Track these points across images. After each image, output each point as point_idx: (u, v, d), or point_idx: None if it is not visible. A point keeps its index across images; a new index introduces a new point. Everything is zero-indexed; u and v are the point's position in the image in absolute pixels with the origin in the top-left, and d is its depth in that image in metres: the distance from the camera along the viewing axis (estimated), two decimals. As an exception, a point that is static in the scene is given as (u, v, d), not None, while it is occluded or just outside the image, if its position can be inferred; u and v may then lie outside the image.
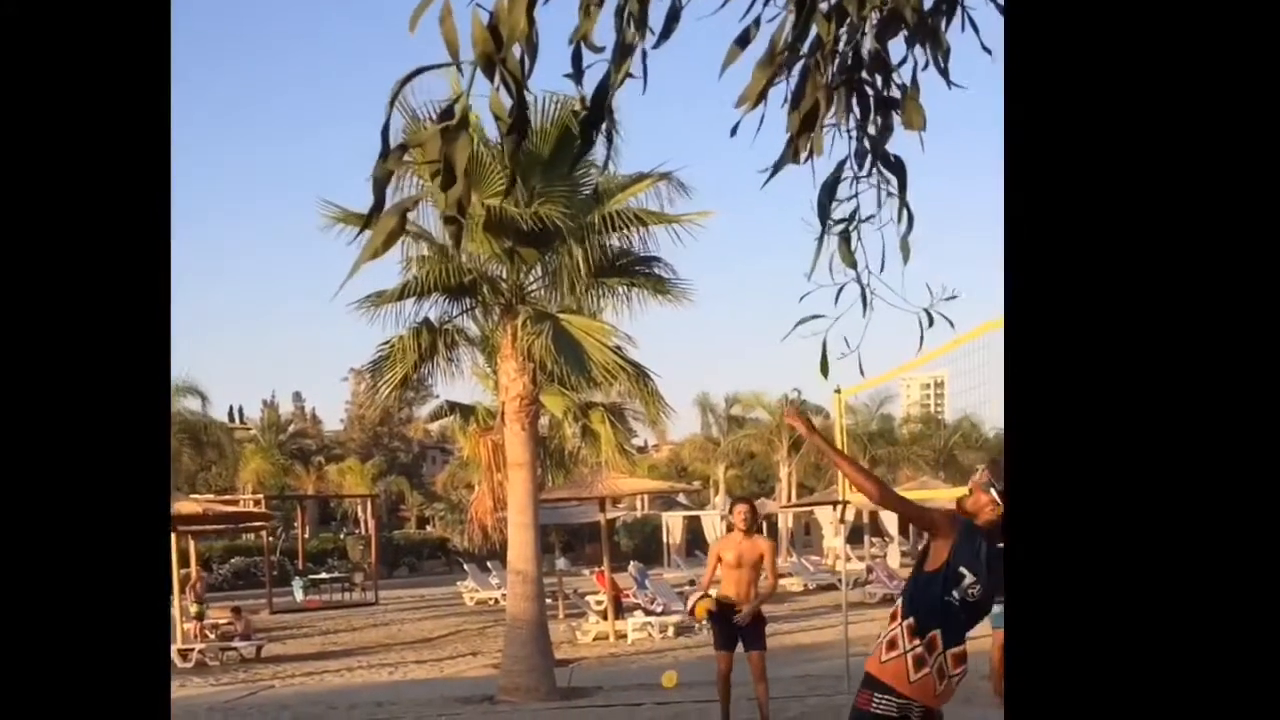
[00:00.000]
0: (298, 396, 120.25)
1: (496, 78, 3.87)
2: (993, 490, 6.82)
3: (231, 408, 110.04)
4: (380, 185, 4.06)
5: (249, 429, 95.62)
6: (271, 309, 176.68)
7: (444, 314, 19.89)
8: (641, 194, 19.34)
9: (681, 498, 67.67)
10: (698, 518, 66.06)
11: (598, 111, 4.24)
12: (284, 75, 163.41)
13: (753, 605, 14.26)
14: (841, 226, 5.07)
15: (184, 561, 32.99)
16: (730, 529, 15.24)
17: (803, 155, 4.77)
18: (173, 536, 32.48)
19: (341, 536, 74.25)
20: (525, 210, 17.96)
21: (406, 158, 4.63)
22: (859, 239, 5.11)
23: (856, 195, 5.03)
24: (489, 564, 48.62)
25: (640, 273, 19.74)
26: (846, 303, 5.21)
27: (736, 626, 14.34)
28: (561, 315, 19.00)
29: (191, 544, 35.74)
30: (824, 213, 4.97)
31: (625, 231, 19.20)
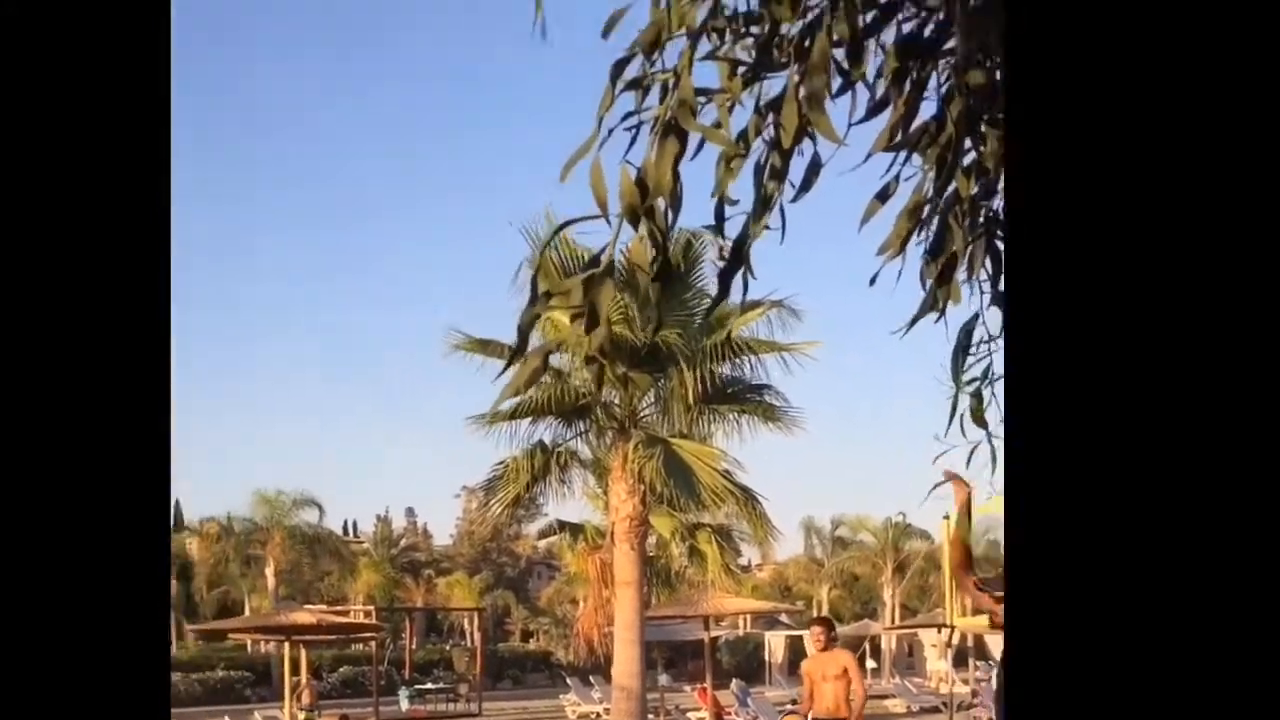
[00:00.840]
0: (410, 512, 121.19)
1: (641, 228, 4.10)
2: None
3: (346, 521, 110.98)
4: (526, 329, 4.34)
5: (362, 542, 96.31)
6: (389, 425, 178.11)
7: (557, 436, 20.37)
8: (755, 322, 19.67)
9: (784, 617, 67.27)
10: (800, 637, 65.65)
11: (736, 262, 4.39)
12: (421, 190, 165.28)
13: (854, 717, 14.67)
14: (974, 385, 5.13)
15: (295, 669, 33.30)
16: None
17: (940, 304, 4.83)
18: (286, 645, 32.97)
19: (448, 648, 74.33)
20: (640, 336, 18.37)
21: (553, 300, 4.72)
22: (992, 396, 5.13)
23: (990, 354, 5.07)
24: (591, 678, 48.61)
25: (751, 400, 20.09)
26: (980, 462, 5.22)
27: None
28: (673, 439, 19.34)
29: (303, 652, 36.03)
30: (957, 373, 5.05)
31: (738, 359, 19.56)
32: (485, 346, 20.15)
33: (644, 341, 18.35)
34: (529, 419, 20.00)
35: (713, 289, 18.69)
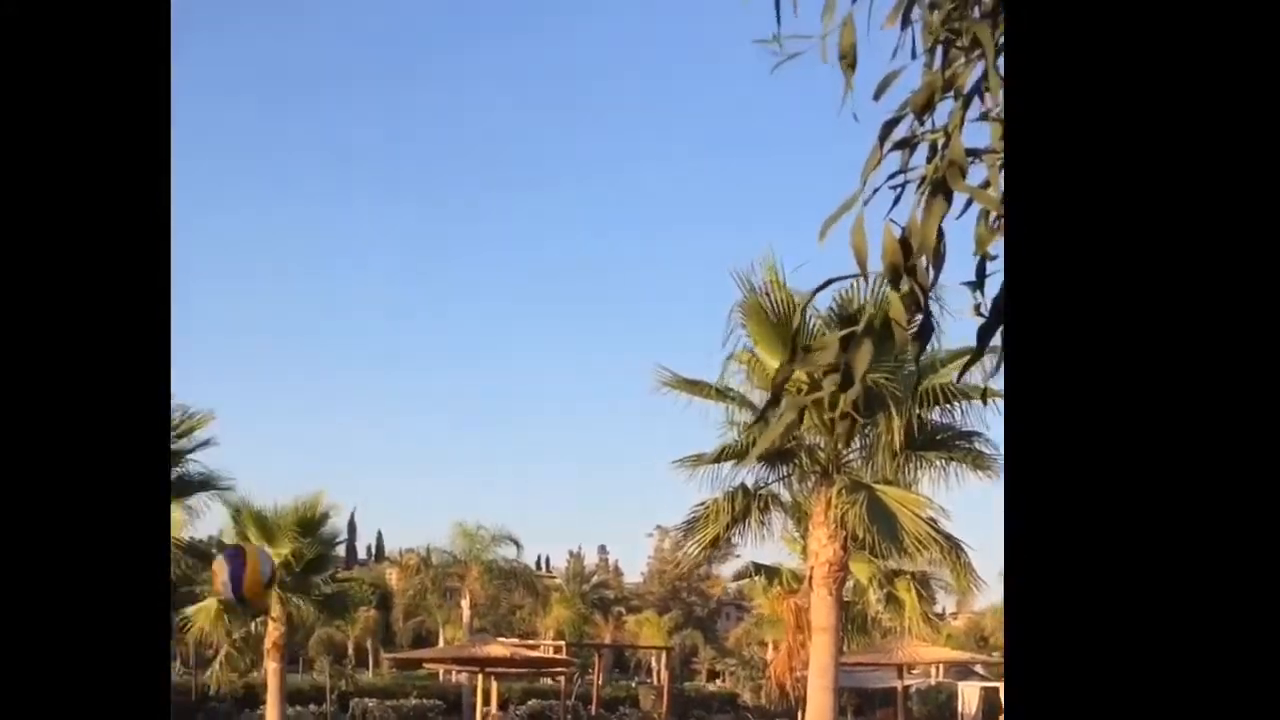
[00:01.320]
0: (602, 549, 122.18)
1: (903, 286, 4.10)
2: None
3: (540, 556, 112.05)
4: (781, 384, 4.37)
5: (554, 577, 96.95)
6: (584, 465, 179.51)
7: (759, 479, 20.28)
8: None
9: (979, 668, 66.28)
10: (995, 689, 64.66)
11: (994, 321, 4.24)
12: (637, 232, 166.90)
13: None
14: None
15: (486, 700, 33.61)
16: None
17: None
18: (479, 676, 33.30)
19: (634, 685, 74.43)
20: (849, 444, 18.40)
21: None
22: None
23: None
24: (778, 722, 48.45)
25: (960, 447, 19.87)
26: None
27: None
28: (876, 485, 19.19)
29: (494, 684, 36.40)
30: None
31: (947, 405, 19.39)
32: (693, 386, 20.16)
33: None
34: (732, 462, 19.99)
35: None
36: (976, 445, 19.92)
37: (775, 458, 19.80)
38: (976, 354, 4.41)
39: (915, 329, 4.33)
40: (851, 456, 20.01)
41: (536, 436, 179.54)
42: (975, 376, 19.50)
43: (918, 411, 18.74)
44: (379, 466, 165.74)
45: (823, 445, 19.75)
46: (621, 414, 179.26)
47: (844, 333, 4.26)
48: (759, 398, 19.96)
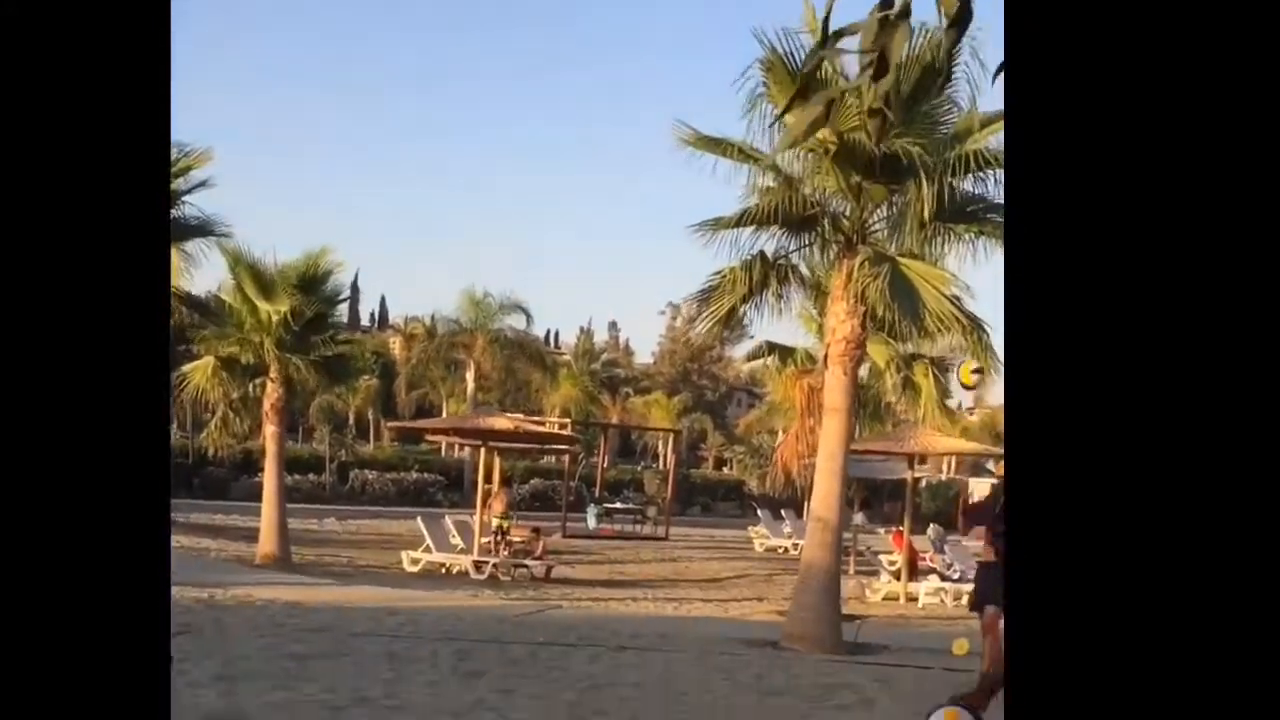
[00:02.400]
0: (613, 326, 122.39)
1: None
2: None
3: (549, 331, 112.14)
4: (811, 71, 4.07)
5: (563, 353, 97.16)
6: (598, 236, 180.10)
7: (780, 247, 19.32)
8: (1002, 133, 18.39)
9: (991, 464, 66.46)
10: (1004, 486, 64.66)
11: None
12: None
13: None
14: None
15: (488, 476, 33.18)
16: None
17: None
18: (482, 450, 32.83)
19: (640, 469, 74.94)
20: (879, 144, 17.22)
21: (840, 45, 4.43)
22: None
23: None
24: (783, 511, 48.37)
25: (990, 219, 18.80)
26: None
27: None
28: (901, 259, 18.25)
29: (497, 459, 35.95)
30: None
31: (981, 173, 18.28)
32: (715, 145, 18.92)
33: (883, 150, 17.17)
34: (752, 228, 18.96)
35: (963, 101, 17.59)
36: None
37: (797, 224, 18.92)
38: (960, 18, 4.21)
39: (955, 15, 4.08)
40: (878, 227, 19.03)
41: (550, 208, 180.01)
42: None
43: (950, 179, 17.61)
44: (385, 232, 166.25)
45: (847, 213, 18.81)
46: (641, 183, 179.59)
47: (880, 14, 3.98)
48: (787, 158, 18.92)
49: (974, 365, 17.37)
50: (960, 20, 4.11)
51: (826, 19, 4.20)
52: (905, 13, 3.98)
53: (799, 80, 3.84)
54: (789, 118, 4.11)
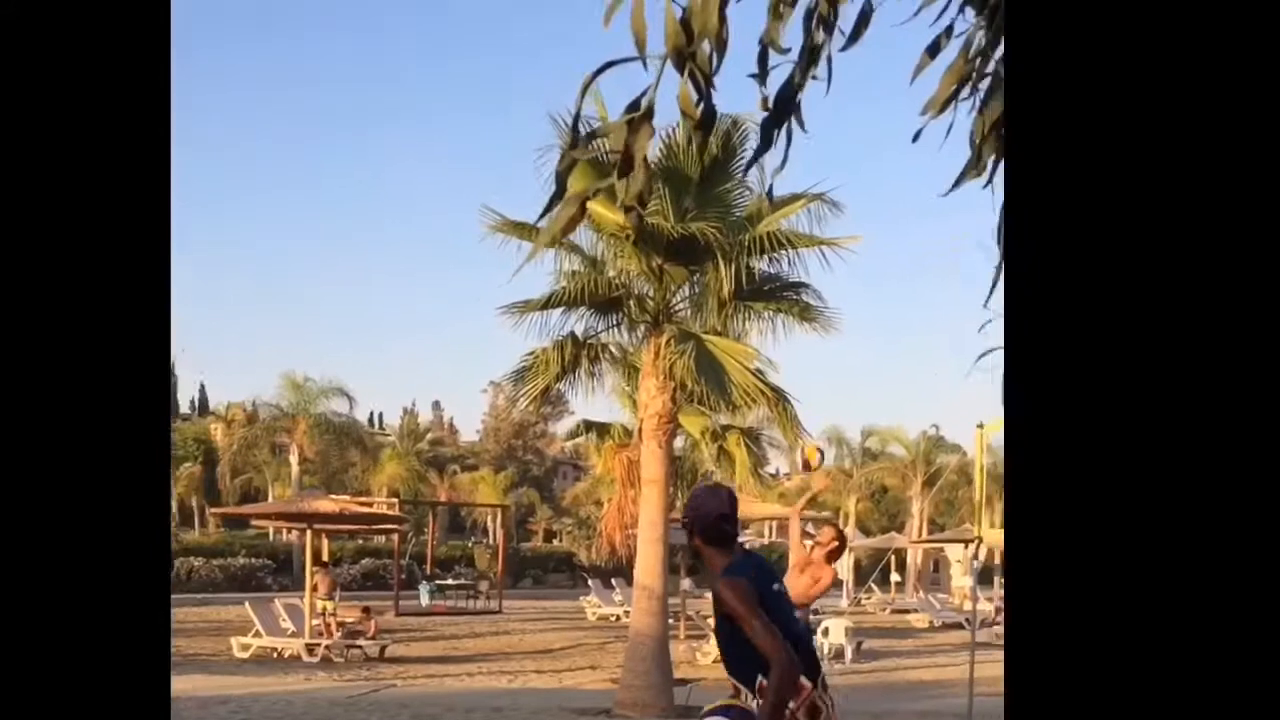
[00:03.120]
0: (437, 405, 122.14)
1: (685, 72, 3.92)
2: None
3: (372, 413, 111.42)
4: (564, 174, 4.16)
5: (388, 434, 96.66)
6: (417, 318, 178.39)
7: (589, 328, 19.95)
8: (793, 215, 19.22)
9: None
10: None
11: (780, 113, 4.29)
12: (442, 77, 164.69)
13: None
14: None
15: (317, 559, 33.28)
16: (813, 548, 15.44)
17: (987, 163, 4.71)
18: (309, 533, 32.93)
19: (470, 545, 74.75)
20: (676, 226, 17.97)
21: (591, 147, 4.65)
22: None
23: None
24: (613, 580, 48.77)
25: (787, 298, 19.66)
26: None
27: None
28: (705, 336, 18.96)
29: (325, 541, 36.03)
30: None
31: (775, 253, 19.13)
32: (522, 230, 19.37)
33: (680, 233, 17.94)
34: (560, 310, 19.58)
35: (753, 183, 18.36)
36: (804, 296, 19.75)
37: (604, 306, 19.53)
38: (760, 150, 4.46)
39: (699, 118, 4.10)
40: (681, 306, 19.74)
41: (372, 288, 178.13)
42: (802, 224, 19.40)
43: (746, 260, 18.42)
44: (203, 318, 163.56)
45: (651, 294, 19.48)
46: (456, 264, 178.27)
47: (627, 117, 4.07)
48: (590, 242, 19.64)
49: (815, 446, 17.98)
50: (704, 123, 4.20)
51: (576, 121, 4.42)
52: (648, 115, 4.04)
53: (555, 180, 3.97)
54: (546, 219, 4.40)
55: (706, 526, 6.62)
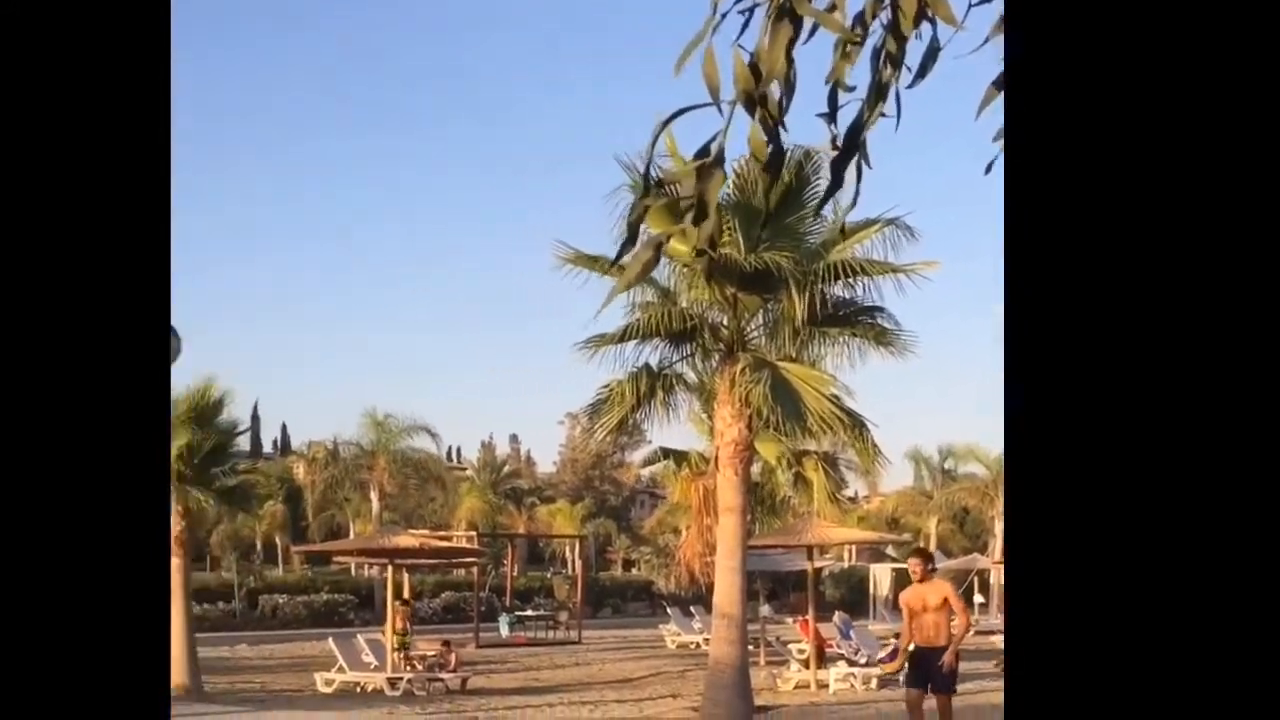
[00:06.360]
0: (514, 439, 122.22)
1: (756, 116, 3.98)
2: None
3: (450, 448, 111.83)
4: (636, 222, 4.23)
5: (465, 469, 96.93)
6: (496, 353, 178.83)
7: (664, 359, 20.07)
8: (867, 241, 19.30)
9: (890, 549, 66.93)
10: (906, 570, 65.01)
11: (849, 151, 4.28)
12: (515, 116, 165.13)
13: (953, 647, 15.27)
14: None
15: (398, 593, 33.49)
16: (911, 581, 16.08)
17: None
18: (389, 568, 33.15)
19: (549, 576, 74.74)
20: (750, 257, 18.07)
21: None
22: None
23: None
24: (692, 608, 48.66)
25: (862, 322, 19.74)
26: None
27: (930, 668, 15.33)
28: (780, 363, 19.04)
29: (406, 576, 36.26)
30: None
31: (849, 280, 19.21)
32: (594, 262, 19.74)
33: (753, 264, 18.04)
34: (635, 341, 19.73)
35: (827, 212, 18.44)
36: (879, 320, 19.81)
37: (678, 336, 19.64)
38: (831, 188, 4.46)
39: (768, 159, 4.16)
40: (755, 334, 19.82)
41: (449, 324, 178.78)
42: (877, 251, 19.43)
43: (820, 287, 18.51)
44: (285, 361, 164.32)
45: (725, 323, 19.57)
46: (535, 298, 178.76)
47: (697, 163, 4.09)
48: (663, 274, 19.76)
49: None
50: (772, 165, 4.22)
51: (647, 169, 4.50)
52: (719, 161, 4.04)
53: (628, 228, 4.03)
54: (623, 261, 4.43)
55: None
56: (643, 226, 4.33)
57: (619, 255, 4.23)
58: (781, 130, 4.06)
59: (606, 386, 20.13)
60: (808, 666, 30.34)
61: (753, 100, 3.96)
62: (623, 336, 19.56)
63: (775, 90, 4.02)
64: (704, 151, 4.10)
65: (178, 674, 29.35)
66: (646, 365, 19.88)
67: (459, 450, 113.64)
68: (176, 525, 29.92)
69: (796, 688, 29.63)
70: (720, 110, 3.98)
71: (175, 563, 30.36)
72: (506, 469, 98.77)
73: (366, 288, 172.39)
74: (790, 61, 3.98)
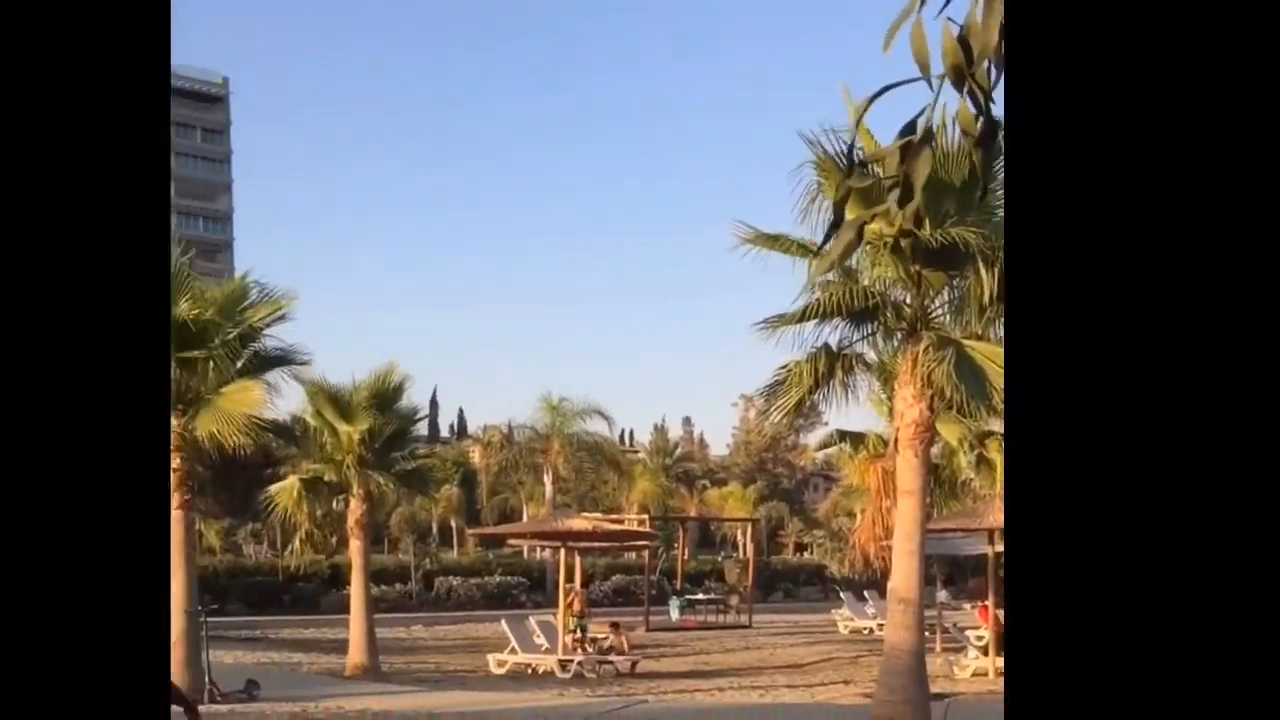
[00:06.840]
0: (687, 421, 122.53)
1: (964, 90, 3.89)
2: None
3: (623, 431, 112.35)
4: (842, 201, 4.16)
5: (638, 451, 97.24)
6: (668, 335, 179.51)
7: (844, 338, 19.77)
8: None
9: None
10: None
11: None
12: (688, 99, 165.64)
13: None
14: None
15: (569, 576, 33.69)
16: None
17: None
18: (562, 551, 33.36)
19: (720, 559, 74.77)
20: (936, 233, 17.78)
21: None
22: None
23: None
24: (866, 593, 48.35)
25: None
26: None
27: None
28: (965, 341, 18.69)
29: (578, 559, 36.48)
30: None
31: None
32: (773, 242, 19.45)
33: (940, 240, 17.71)
34: (815, 321, 19.50)
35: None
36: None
37: (859, 315, 19.33)
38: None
39: (979, 134, 4.06)
40: (938, 312, 19.52)
41: (624, 307, 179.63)
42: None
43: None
44: (461, 347, 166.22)
45: (908, 300, 19.30)
46: (709, 281, 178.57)
47: (902, 141, 3.98)
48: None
49: None
50: (985, 139, 4.08)
51: (850, 150, 4.59)
52: (927, 139, 3.99)
53: (833, 209, 3.94)
54: (828, 245, 4.35)
55: None
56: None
57: (826, 239, 4.16)
58: (992, 104, 3.96)
59: (784, 367, 19.87)
60: (986, 654, 29.94)
61: (962, 76, 3.86)
62: (802, 316, 19.28)
63: (986, 64, 3.87)
64: (909, 128, 4.01)
65: (357, 654, 29.83)
66: (826, 345, 19.57)
67: (632, 433, 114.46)
68: (358, 509, 30.37)
69: (974, 675, 29.28)
70: (930, 84, 3.90)
71: (355, 545, 30.87)
72: (679, 452, 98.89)
73: (542, 271, 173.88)
74: (1002, 36, 3.84)
